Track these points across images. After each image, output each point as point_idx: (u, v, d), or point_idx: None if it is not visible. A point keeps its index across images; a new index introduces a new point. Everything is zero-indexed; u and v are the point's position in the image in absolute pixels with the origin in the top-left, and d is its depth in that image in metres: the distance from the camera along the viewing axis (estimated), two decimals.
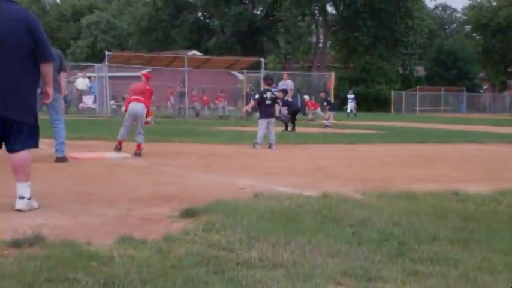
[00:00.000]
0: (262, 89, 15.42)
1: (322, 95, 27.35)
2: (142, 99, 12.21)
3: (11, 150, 5.90)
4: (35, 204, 5.93)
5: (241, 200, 6.37)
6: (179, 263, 3.99)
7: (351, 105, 43.30)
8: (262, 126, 14.27)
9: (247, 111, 26.54)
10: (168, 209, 5.96)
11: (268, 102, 14.57)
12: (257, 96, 15.10)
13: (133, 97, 12.24)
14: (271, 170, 9.87)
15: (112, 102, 33.35)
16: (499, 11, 69.21)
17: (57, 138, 10.33)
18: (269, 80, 15.52)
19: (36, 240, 4.47)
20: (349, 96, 43.58)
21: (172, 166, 10.04)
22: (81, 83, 35.24)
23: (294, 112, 24.11)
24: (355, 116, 40.35)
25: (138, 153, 11.58)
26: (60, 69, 10.28)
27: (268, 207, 5.97)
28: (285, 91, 24.69)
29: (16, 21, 5.80)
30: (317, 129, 22.65)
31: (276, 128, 15.60)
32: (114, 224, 5.33)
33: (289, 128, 21.28)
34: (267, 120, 14.33)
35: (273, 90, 16.19)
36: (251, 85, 32.82)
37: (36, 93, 6.15)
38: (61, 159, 10.22)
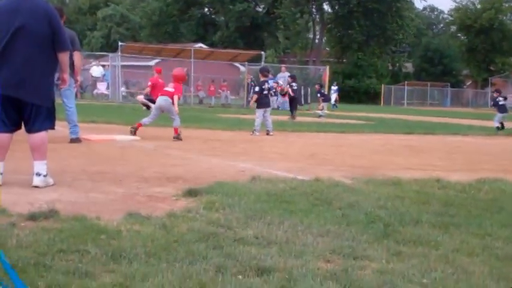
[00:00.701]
0: (260, 80, 15.36)
1: (317, 87, 27.35)
2: (168, 91, 12.28)
3: (29, 131, 5.90)
4: (51, 181, 5.93)
5: (240, 182, 6.36)
6: (181, 238, 3.99)
7: (333, 97, 42.84)
8: (259, 114, 14.24)
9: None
10: (172, 189, 5.95)
11: (265, 92, 14.54)
12: (257, 88, 15.03)
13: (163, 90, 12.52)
14: (269, 155, 9.87)
15: (123, 89, 33.31)
16: (483, 13, 68.96)
17: (70, 121, 10.29)
18: (265, 72, 15.43)
19: (50, 214, 4.47)
20: (332, 87, 43.05)
21: (178, 149, 10.03)
22: (96, 70, 35.22)
23: (291, 101, 24.14)
24: (336, 107, 39.52)
25: (175, 137, 11.66)
26: (73, 49, 9.51)
27: (265, 189, 5.97)
28: (293, 77, 24.63)
29: (35, 10, 5.78)
30: (312, 119, 22.62)
31: (274, 117, 15.57)
32: (122, 201, 5.33)
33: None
34: (263, 109, 14.30)
35: (269, 80, 16.11)
36: (251, 76, 32.76)
37: (53, 79, 6.14)
38: (75, 140, 10.21)
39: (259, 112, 14.26)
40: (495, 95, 21.30)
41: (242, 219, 4.62)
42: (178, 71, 12.75)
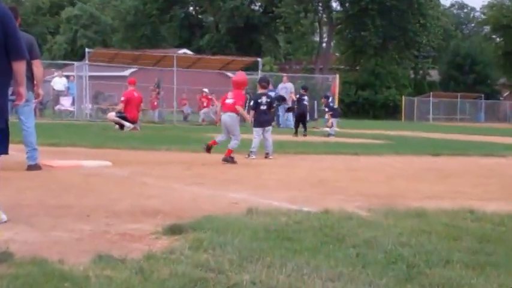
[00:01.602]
0: (257, 92, 15.37)
1: (324, 100, 27.42)
2: (229, 105, 13.16)
3: None
4: (3, 217, 5.90)
5: (232, 215, 6.35)
6: (162, 285, 3.96)
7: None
8: (257, 134, 14.24)
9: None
10: (151, 225, 5.93)
11: (263, 107, 14.43)
12: (252, 103, 15.04)
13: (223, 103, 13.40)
14: (267, 182, 9.85)
15: (89, 105, 33.33)
16: None
17: (28, 144, 10.25)
18: (264, 83, 15.42)
19: (3, 257, 4.44)
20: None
21: (156, 177, 10.01)
22: (58, 83, 35.31)
23: (299, 116, 24.33)
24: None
25: (226, 159, 12.59)
26: (31, 57, 9.48)
27: (263, 224, 5.95)
28: (305, 89, 24.93)
29: None
30: (319, 138, 22.65)
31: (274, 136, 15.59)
32: (90, 240, 5.30)
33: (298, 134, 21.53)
34: (262, 128, 14.26)
35: (270, 93, 16.14)
36: (246, 87, 32.85)
37: (6, 94, 6.12)
38: (33, 167, 10.17)
39: (257, 131, 14.27)
40: None
41: (236, 261, 4.60)
42: (238, 75, 13.97)
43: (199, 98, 36.20)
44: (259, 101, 14.53)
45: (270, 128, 14.60)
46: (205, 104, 34.78)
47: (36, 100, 10.62)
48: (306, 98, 24.75)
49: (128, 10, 72.10)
